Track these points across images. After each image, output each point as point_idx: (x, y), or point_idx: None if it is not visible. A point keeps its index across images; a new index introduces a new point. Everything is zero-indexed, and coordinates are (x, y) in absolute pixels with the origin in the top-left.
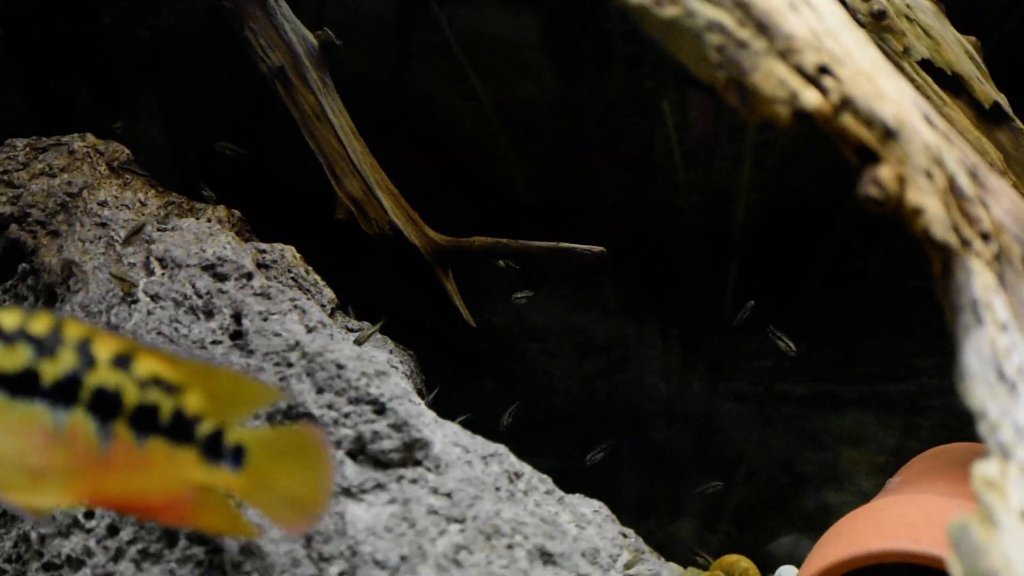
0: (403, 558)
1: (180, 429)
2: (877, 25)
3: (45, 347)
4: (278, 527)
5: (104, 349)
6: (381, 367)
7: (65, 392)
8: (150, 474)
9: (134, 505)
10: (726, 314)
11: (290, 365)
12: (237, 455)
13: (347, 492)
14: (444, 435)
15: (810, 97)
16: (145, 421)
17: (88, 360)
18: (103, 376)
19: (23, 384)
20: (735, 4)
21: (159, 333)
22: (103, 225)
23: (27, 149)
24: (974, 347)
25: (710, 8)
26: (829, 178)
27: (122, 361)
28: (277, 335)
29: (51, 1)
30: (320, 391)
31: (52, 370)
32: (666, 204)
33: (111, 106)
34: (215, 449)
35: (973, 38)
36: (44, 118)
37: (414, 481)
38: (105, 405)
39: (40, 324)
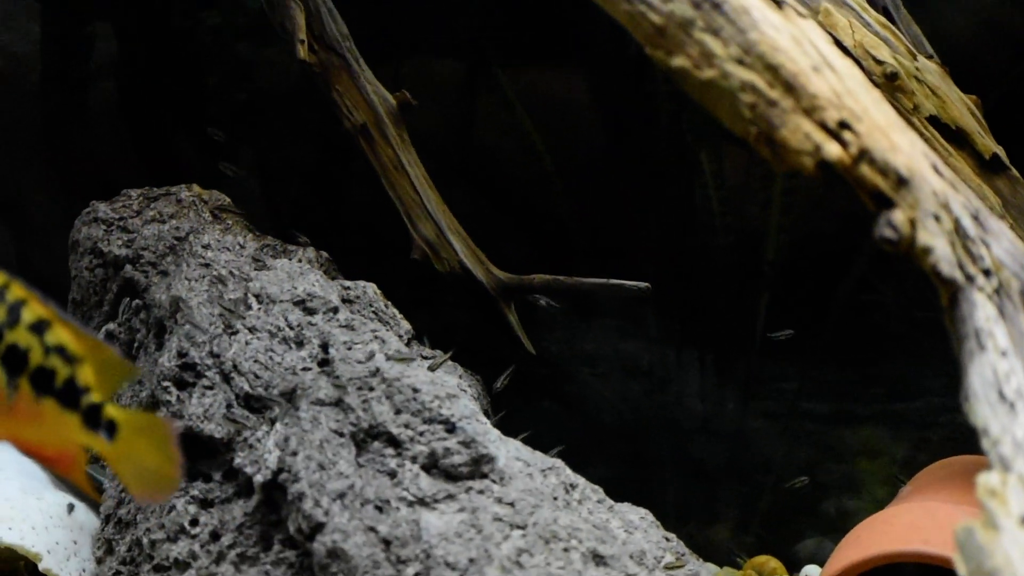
0: (471, 560)
1: (69, 395)
2: (890, 85)
3: None
4: (133, 495)
5: (30, 313)
6: (452, 390)
7: None
8: (43, 428)
9: (35, 452)
10: (756, 341)
11: (371, 389)
12: (111, 428)
13: (422, 502)
14: (507, 451)
15: (832, 149)
16: (43, 382)
17: (14, 319)
18: (19, 335)
19: None
20: (765, 67)
21: (256, 361)
22: (206, 265)
23: (140, 198)
24: (977, 371)
25: (743, 70)
26: (848, 221)
27: (39, 326)
28: (360, 362)
29: (160, 66)
30: (398, 412)
31: None
32: (703, 244)
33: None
34: (95, 419)
35: (974, 97)
36: (155, 171)
37: (481, 492)
38: (15, 360)
39: None
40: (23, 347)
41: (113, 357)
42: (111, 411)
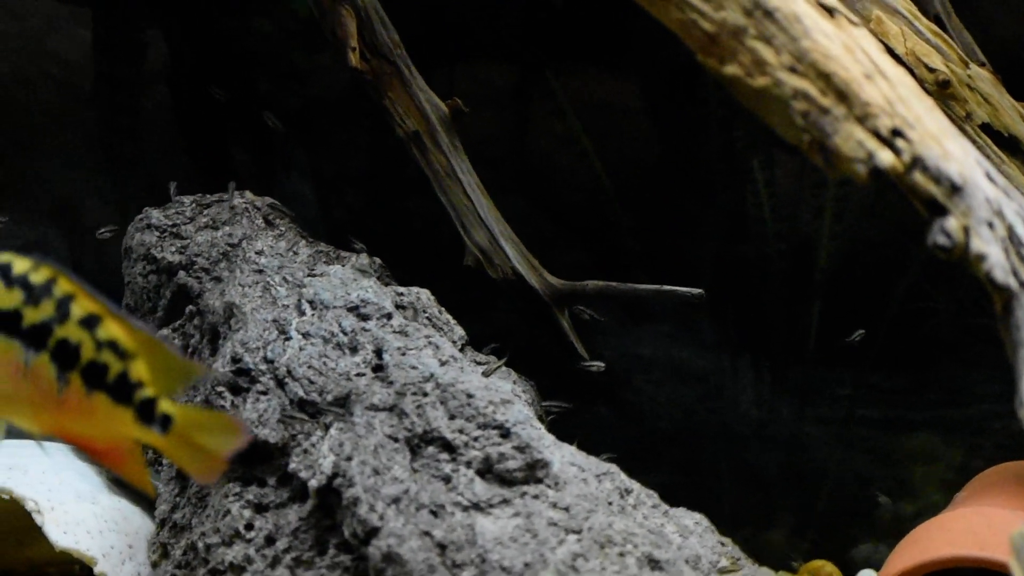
0: (527, 564)
1: (121, 390)
2: (942, 93)
3: (34, 295)
4: (189, 475)
5: (80, 308)
6: (506, 396)
7: (38, 336)
8: (95, 422)
9: (84, 446)
10: (810, 348)
11: (425, 395)
12: (165, 422)
13: (476, 507)
14: (562, 456)
15: (885, 157)
16: (95, 377)
17: (63, 314)
18: (69, 330)
19: (9, 322)
20: (818, 75)
21: (310, 366)
22: (260, 272)
23: (193, 205)
24: None
25: (796, 78)
26: (901, 228)
27: (89, 321)
28: (414, 368)
29: (213, 73)
30: (452, 417)
31: (32, 315)
32: (756, 251)
33: (266, 167)
34: (148, 413)
35: None
36: (208, 177)
37: (536, 497)
38: (65, 355)
39: (39, 275)
40: (74, 342)
41: (169, 354)
42: (165, 405)
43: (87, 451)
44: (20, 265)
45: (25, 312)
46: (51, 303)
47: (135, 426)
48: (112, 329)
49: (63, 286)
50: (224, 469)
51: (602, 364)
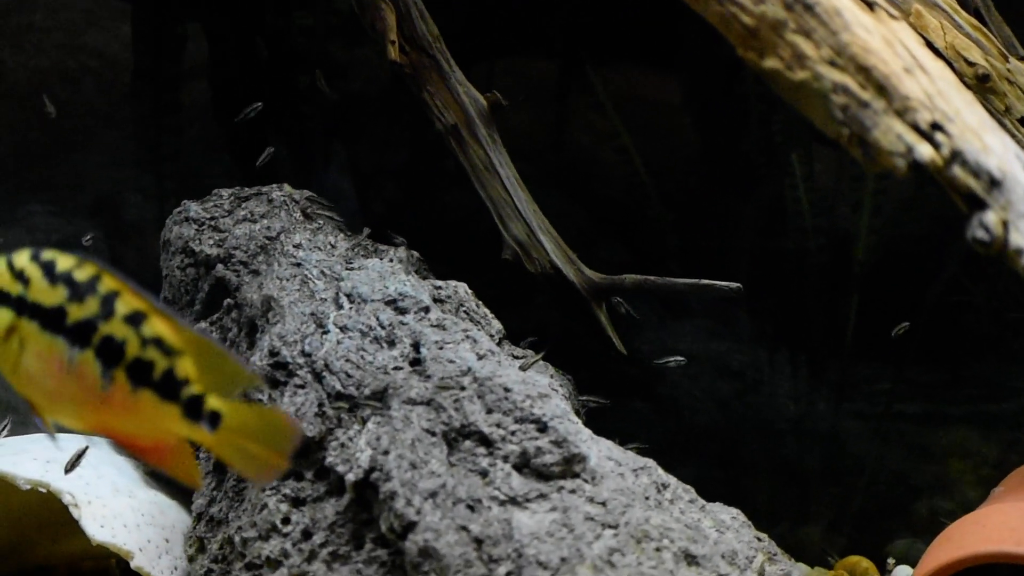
0: (563, 559)
1: (168, 387)
2: (982, 87)
3: (78, 292)
4: (241, 474)
5: (124, 305)
6: (543, 390)
7: (82, 333)
8: (140, 419)
9: (128, 443)
10: (848, 342)
11: (463, 388)
12: (214, 419)
13: (513, 501)
14: (599, 450)
15: (924, 151)
16: (140, 373)
17: (108, 311)
18: (114, 327)
19: (53, 319)
20: (857, 68)
21: (347, 360)
22: (298, 265)
23: (232, 198)
24: None
25: (835, 72)
26: (939, 222)
27: (135, 318)
28: (451, 362)
29: (253, 67)
30: (489, 411)
31: (76, 312)
32: (794, 245)
33: (305, 161)
34: (196, 410)
35: None
36: (246, 171)
37: (573, 491)
38: (110, 352)
39: (83, 272)
40: (119, 339)
41: (218, 353)
42: (213, 402)
43: (131, 448)
44: (64, 262)
45: (69, 309)
46: (96, 300)
47: (182, 423)
48: (157, 326)
49: (108, 283)
50: (282, 469)
51: (682, 359)
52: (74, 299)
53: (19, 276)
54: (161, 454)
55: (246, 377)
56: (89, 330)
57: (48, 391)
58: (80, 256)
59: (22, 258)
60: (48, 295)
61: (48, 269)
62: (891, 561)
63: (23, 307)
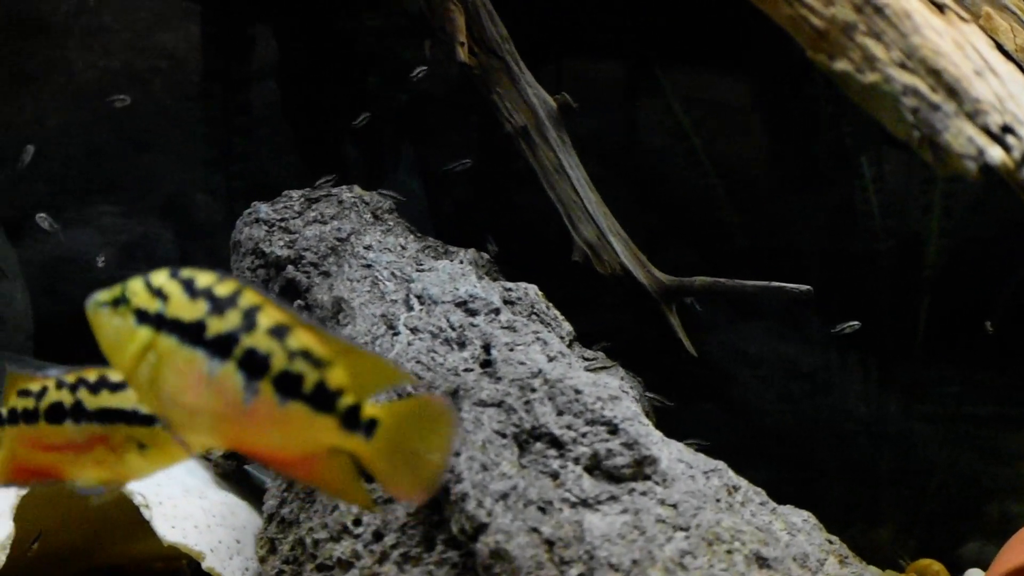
0: (635, 562)
1: (322, 399)
2: None
3: (219, 306)
4: (391, 494)
5: (267, 318)
6: (614, 392)
7: (223, 346)
8: (287, 433)
9: (271, 457)
10: (918, 344)
11: (533, 390)
12: (371, 426)
13: (584, 503)
14: (670, 452)
15: (995, 153)
16: (289, 386)
17: (250, 324)
18: (257, 340)
19: (192, 333)
20: (928, 71)
21: (418, 362)
22: (368, 266)
23: (302, 199)
24: None
25: (906, 75)
26: (1010, 224)
27: (279, 331)
28: (522, 363)
29: (322, 69)
30: (560, 413)
31: (217, 325)
32: (864, 247)
33: (375, 163)
34: (353, 420)
35: None
36: (316, 172)
37: (644, 493)
38: (254, 364)
39: (224, 288)
40: (263, 351)
41: (369, 359)
42: (370, 410)
43: (274, 464)
44: (204, 279)
45: (209, 322)
46: (237, 313)
47: (338, 434)
48: (303, 338)
49: (249, 298)
50: (440, 475)
51: (856, 323)
52: (214, 313)
53: (157, 293)
54: (308, 468)
55: (397, 376)
56: (230, 343)
57: (186, 408)
58: (221, 273)
59: (160, 276)
60: (188, 310)
61: (188, 285)
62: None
63: (161, 323)
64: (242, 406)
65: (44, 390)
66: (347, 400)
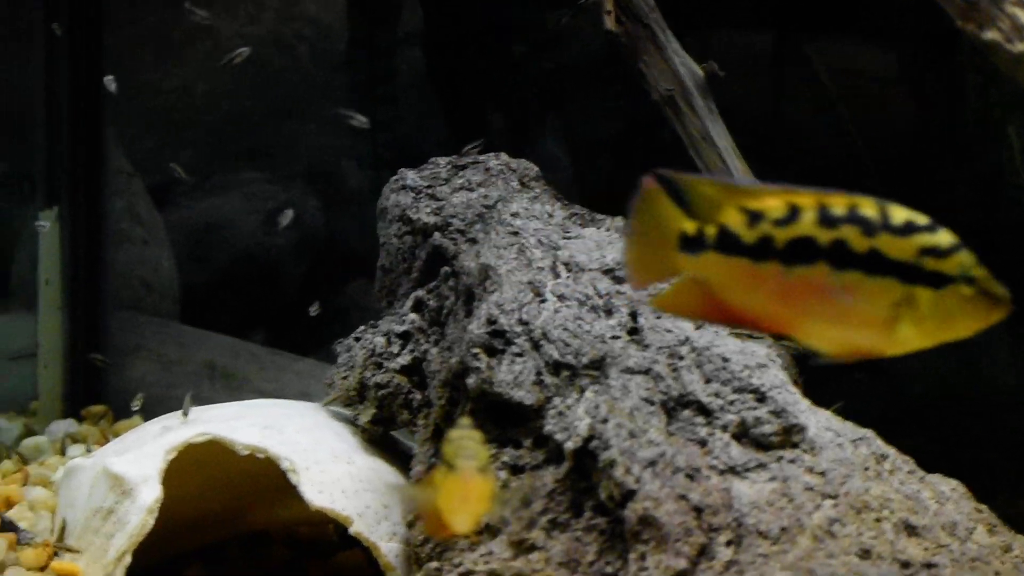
0: (783, 529)
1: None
2: None
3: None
4: None
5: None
6: (761, 360)
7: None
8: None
9: None
10: None
11: (681, 358)
12: None
13: (733, 470)
14: (817, 421)
15: None
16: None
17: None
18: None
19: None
20: None
21: (565, 328)
22: (515, 234)
23: (449, 167)
24: None
25: None
26: None
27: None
28: (668, 331)
29: (467, 38)
30: (708, 381)
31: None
32: (1013, 217)
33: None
34: None
35: None
36: (462, 139)
37: (792, 461)
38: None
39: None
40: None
41: None
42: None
43: None
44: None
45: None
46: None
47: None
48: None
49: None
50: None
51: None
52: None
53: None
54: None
55: None
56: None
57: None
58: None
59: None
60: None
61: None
62: None
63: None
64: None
65: (791, 215)
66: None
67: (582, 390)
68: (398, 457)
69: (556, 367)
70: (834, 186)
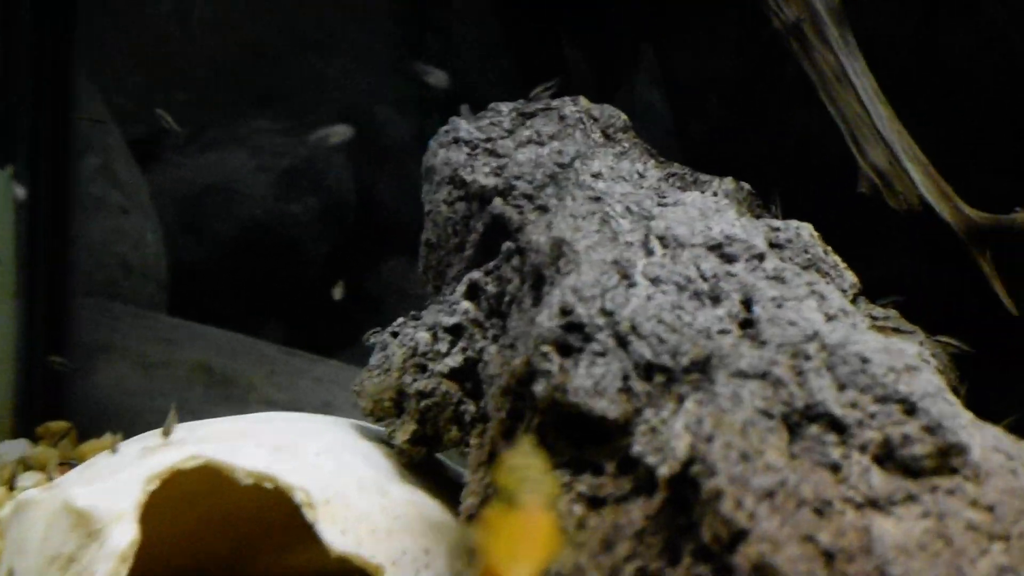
0: None
1: None
2: None
3: None
4: None
5: None
6: (911, 361)
7: None
8: None
9: None
10: None
11: (808, 358)
12: None
13: (873, 504)
14: (983, 439)
15: None
16: None
17: None
18: None
19: None
20: None
21: (660, 320)
22: (597, 199)
23: (513, 114)
24: None
25: None
26: None
27: None
28: (792, 324)
29: None
30: (842, 388)
31: None
32: None
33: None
34: None
35: None
36: (532, 80)
37: (950, 492)
38: None
39: None
40: None
41: None
42: None
43: None
44: None
45: None
46: None
47: None
48: None
49: None
50: None
51: None
52: None
53: None
54: None
55: None
56: None
57: None
58: None
59: None
60: None
61: None
62: None
63: None
64: None
65: None
66: None
67: (680, 400)
68: (444, 487)
69: (648, 370)
70: (1000, 136)
